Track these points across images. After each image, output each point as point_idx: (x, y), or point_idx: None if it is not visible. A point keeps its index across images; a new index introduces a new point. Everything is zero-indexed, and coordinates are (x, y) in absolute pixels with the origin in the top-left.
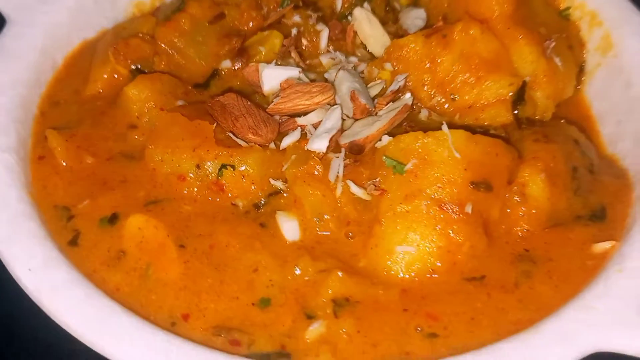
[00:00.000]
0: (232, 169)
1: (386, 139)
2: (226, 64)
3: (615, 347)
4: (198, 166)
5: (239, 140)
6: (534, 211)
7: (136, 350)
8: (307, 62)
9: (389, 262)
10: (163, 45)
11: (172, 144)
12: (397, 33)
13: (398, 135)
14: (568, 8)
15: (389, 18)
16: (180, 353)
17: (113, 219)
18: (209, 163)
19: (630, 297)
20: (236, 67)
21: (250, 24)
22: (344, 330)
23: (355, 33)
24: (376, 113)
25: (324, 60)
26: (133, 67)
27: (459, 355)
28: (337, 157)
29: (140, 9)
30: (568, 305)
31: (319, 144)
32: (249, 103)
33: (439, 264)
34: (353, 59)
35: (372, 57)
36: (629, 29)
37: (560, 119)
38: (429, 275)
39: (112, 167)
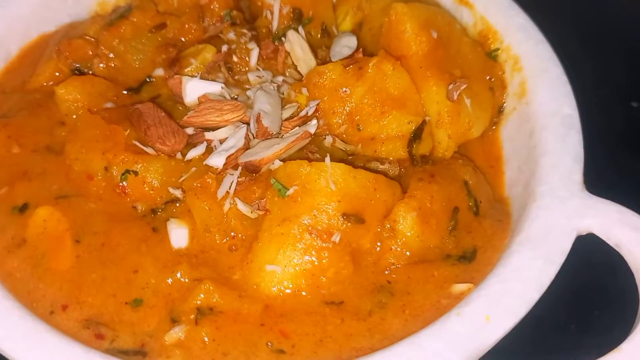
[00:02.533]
0: (134, 174)
1: (278, 162)
2: (159, 71)
3: None
4: (106, 168)
5: (147, 148)
6: (401, 247)
7: None
8: (236, 77)
9: (258, 278)
10: (103, 49)
11: (87, 144)
12: (325, 59)
13: (287, 162)
14: (497, 49)
15: (323, 42)
16: (38, 339)
17: (23, 208)
18: (115, 167)
19: (457, 342)
20: (167, 76)
21: (190, 36)
22: (201, 337)
23: (288, 54)
24: (282, 136)
25: (251, 77)
26: (75, 66)
27: None
28: (232, 174)
29: (103, 7)
30: (403, 341)
31: (216, 160)
32: (163, 114)
33: (303, 285)
34: (279, 78)
35: (300, 78)
36: (544, 79)
37: (464, 156)
38: (292, 295)
39: (35, 159)
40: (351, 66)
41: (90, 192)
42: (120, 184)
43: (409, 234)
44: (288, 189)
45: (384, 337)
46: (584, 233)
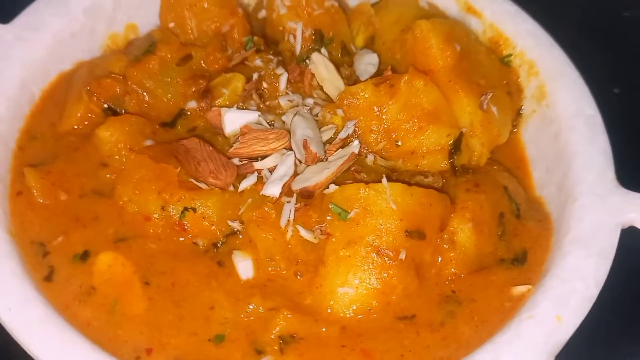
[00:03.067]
0: (193, 211)
1: (333, 187)
2: (192, 104)
3: None
4: (163, 208)
5: (200, 184)
6: (461, 256)
7: None
8: (267, 103)
9: (331, 302)
10: (133, 86)
11: (139, 185)
12: (350, 77)
13: (343, 185)
14: (510, 55)
15: (344, 61)
16: None
17: (85, 255)
18: (172, 206)
19: (535, 345)
20: (200, 108)
21: (216, 66)
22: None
23: (313, 75)
24: (327, 159)
25: (282, 102)
26: (105, 105)
27: None
28: (289, 201)
29: (114, 40)
30: (481, 348)
31: (272, 190)
32: (210, 148)
33: (375, 304)
34: (309, 101)
35: (328, 98)
36: (562, 82)
37: (496, 161)
38: (365, 314)
39: (84, 204)
40: (382, 84)
41: (148, 233)
42: (180, 221)
43: (467, 244)
44: (349, 212)
45: (459, 346)
46: (626, 227)
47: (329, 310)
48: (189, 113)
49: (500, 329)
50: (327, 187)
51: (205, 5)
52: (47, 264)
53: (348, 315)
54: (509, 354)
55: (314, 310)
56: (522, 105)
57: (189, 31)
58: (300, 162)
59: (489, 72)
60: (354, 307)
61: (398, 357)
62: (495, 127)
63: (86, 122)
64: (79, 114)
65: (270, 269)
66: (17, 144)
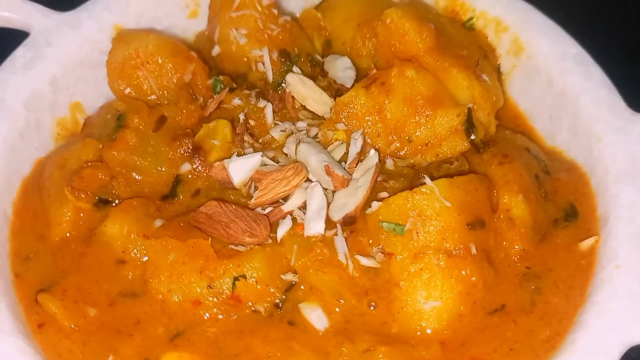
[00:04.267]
0: (244, 279)
1: (375, 204)
2: (185, 167)
3: None
4: (209, 286)
5: (238, 247)
6: (522, 231)
7: None
8: (260, 140)
9: (420, 322)
10: (117, 168)
11: (175, 271)
12: (330, 87)
13: (386, 200)
14: (471, 18)
15: (315, 73)
16: None
17: None
18: (219, 280)
19: (635, 292)
20: (196, 168)
21: (192, 119)
22: None
23: (293, 98)
24: (352, 178)
25: (275, 135)
26: (96, 199)
27: None
28: (336, 234)
29: (63, 126)
30: (585, 312)
31: (316, 228)
32: (233, 206)
33: (463, 308)
34: (301, 124)
35: (315, 116)
36: (535, 30)
37: (502, 126)
38: (458, 321)
39: (119, 312)
40: (373, 85)
41: (203, 318)
42: (233, 294)
43: (524, 217)
44: (404, 225)
45: (559, 319)
46: None
47: (419, 333)
48: (188, 177)
49: (590, 289)
50: (370, 207)
51: (160, 60)
52: None
53: (442, 329)
54: (618, 309)
55: (405, 336)
56: (499, 64)
57: (149, 91)
58: (326, 189)
59: (461, 41)
60: (445, 319)
61: (508, 352)
62: (493, 94)
63: (81, 222)
64: (67, 218)
65: (337, 309)
66: (12, 272)
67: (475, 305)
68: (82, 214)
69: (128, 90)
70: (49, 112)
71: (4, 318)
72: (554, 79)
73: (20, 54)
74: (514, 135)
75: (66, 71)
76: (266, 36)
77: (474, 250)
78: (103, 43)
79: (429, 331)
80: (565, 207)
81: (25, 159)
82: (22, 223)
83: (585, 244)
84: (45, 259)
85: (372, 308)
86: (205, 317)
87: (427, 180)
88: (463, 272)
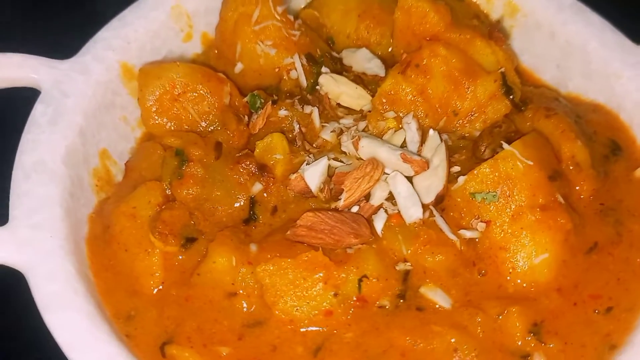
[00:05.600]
0: (367, 279)
1: (462, 178)
2: (257, 187)
3: None
4: (335, 294)
5: (347, 250)
6: (589, 172)
7: None
8: (315, 144)
9: (533, 276)
10: (191, 204)
11: (297, 289)
12: (358, 79)
13: (470, 172)
14: None
15: (339, 68)
16: None
17: None
18: (343, 287)
19: None
20: (266, 186)
21: (243, 140)
22: (552, 346)
23: (329, 97)
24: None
25: (327, 136)
26: (183, 239)
27: None
28: (434, 216)
29: (98, 177)
30: None
31: (417, 213)
32: (329, 213)
33: (565, 254)
34: (345, 121)
35: (351, 112)
36: None
37: (523, 84)
38: (562, 268)
39: (251, 344)
40: (408, 69)
41: (335, 327)
42: (359, 295)
43: (586, 160)
44: (495, 191)
45: None
46: None
47: (533, 288)
48: (262, 196)
49: None
50: (456, 182)
51: (196, 87)
52: None
53: (553, 278)
54: None
55: (523, 293)
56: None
57: (192, 122)
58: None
59: (464, 13)
60: (553, 268)
61: (617, 283)
62: (511, 54)
63: (169, 269)
64: (156, 268)
65: (460, 283)
66: (124, 334)
67: (573, 249)
68: (170, 259)
69: (169, 125)
70: (84, 165)
71: None
72: (557, 30)
73: (40, 111)
74: (539, 90)
75: (89, 119)
76: (292, 43)
77: (561, 200)
78: (113, 82)
79: (543, 282)
80: (608, 143)
81: (80, 218)
82: (107, 284)
83: (639, 171)
84: (150, 313)
85: (483, 276)
86: (337, 325)
87: (506, 145)
88: (559, 220)
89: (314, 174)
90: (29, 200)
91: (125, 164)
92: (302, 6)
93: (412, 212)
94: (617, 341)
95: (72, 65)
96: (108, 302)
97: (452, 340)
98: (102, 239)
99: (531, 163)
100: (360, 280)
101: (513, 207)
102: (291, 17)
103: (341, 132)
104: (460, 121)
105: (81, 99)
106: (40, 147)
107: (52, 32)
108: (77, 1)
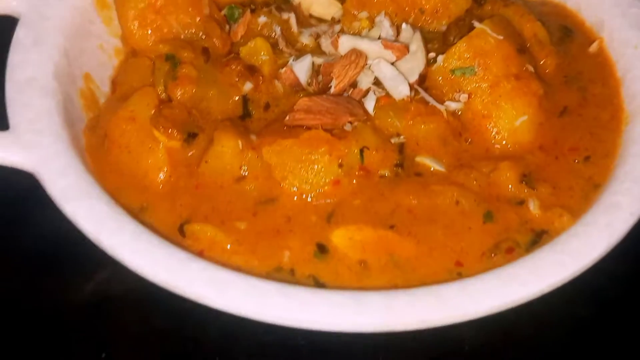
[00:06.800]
0: (367, 150)
1: (440, 58)
2: (248, 86)
3: None
4: (340, 165)
5: (346, 127)
6: (551, 48)
7: None
8: (295, 47)
9: (515, 137)
10: (188, 104)
11: (305, 163)
12: None
13: (448, 51)
14: None
15: None
16: None
17: (322, 249)
18: (346, 158)
19: None
20: (255, 85)
21: (227, 47)
22: (544, 191)
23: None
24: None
25: (305, 40)
26: (186, 134)
27: None
28: (421, 90)
29: (85, 98)
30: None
31: (404, 90)
32: (323, 96)
33: (541, 116)
34: (323, 27)
35: (321, 21)
36: None
37: None
38: (540, 126)
39: (267, 217)
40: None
41: (345, 194)
42: (362, 165)
43: (547, 37)
44: (474, 67)
45: (610, 102)
46: None
47: (517, 145)
48: (253, 94)
49: (618, 76)
50: (436, 62)
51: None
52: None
53: (533, 138)
54: None
55: (509, 152)
56: None
57: (176, 33)
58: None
59: None
60: (532, 129)
61: (590, 137)
62: None
63: (174, 163)
64: (162, 162)
65: (454, 146)
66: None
67: (547, 112)
68: (173, 155)
69: (153, 38)
70: (72, 85)
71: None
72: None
73: (22, 34)
74: None
75: (71, 41)
76: None
77: (531, 69)
78: (88, 10)
79: (526, 141)
80: (559, 28)
81: (77, 131)
82: (115, 184)
83: (593, 47)
84: (163, 205)
85: (470, 143)
86: (345, 192)
87: (477, 23)
88: (532, 88)
89: (301, 68)
90: (28, 111)
91: (112, 80)
92: None
93: (401, 89)
94: (600, 181)
95: None
96: (120, 199)
97: (454, 194)
98: (101, 150)
99: (501, 37)
100: (362, 151)
101: (490, 78)
102: None
103: (318, 36)
104: (427, 18)
105: (60, 21)
106: (29, 65)
107: None
108: None
